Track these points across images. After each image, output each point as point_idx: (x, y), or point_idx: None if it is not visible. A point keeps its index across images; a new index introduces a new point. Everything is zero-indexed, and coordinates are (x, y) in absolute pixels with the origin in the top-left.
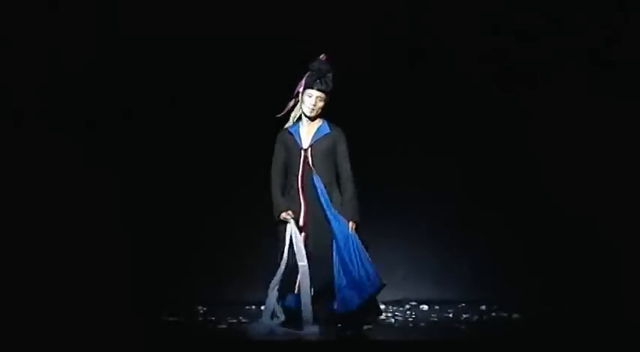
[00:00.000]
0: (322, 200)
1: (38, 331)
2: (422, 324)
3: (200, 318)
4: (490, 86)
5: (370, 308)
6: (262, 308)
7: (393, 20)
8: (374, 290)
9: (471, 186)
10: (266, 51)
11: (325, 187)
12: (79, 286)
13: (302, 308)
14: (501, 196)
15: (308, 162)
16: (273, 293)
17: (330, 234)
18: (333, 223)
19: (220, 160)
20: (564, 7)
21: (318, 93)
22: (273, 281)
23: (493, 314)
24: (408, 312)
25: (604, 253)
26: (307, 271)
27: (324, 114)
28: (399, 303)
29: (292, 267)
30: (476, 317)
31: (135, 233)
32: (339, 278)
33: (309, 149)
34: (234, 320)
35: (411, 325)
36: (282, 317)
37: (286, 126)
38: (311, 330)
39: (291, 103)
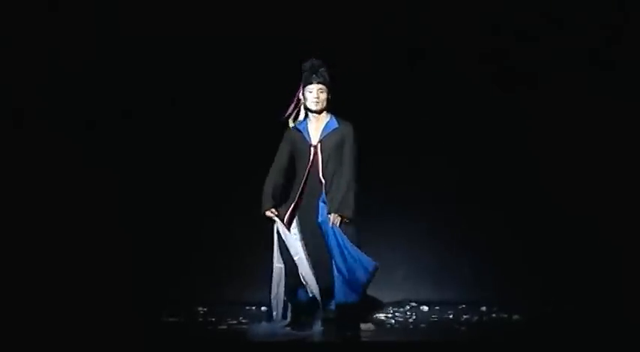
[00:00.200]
0: (320, 204)
1: (38, 331)
2: (422, 325)
3: (200, 319)
4: (490, 86)
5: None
6: (263, 309)
7: (393, 20)
8: (370, 274)
9: (471, 186)
10: (266, 51)
11: (330, 188)
12: (79, 286)
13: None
14: (501, 196)
15: (317, 159)
16: (277, 297)
17: (324, 238)
18: (324, 226)
19: (220, 160)
20: (564, 7)
21: (318, 86)
22: (272, 288)
23: (493, 315)
24: (408, 313)
25: (604, 253)
26: (306, 263)
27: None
28: (400, 304)
29: (290, 264)
30: (476, 318)
31: (135, 233)
32: (338, 277)
33: (319, 145)
34: (235, 321)
35: (411, 326)
36: (288, 318)
37: (291, 125)
38: (312, 331)
39: (291, 108)
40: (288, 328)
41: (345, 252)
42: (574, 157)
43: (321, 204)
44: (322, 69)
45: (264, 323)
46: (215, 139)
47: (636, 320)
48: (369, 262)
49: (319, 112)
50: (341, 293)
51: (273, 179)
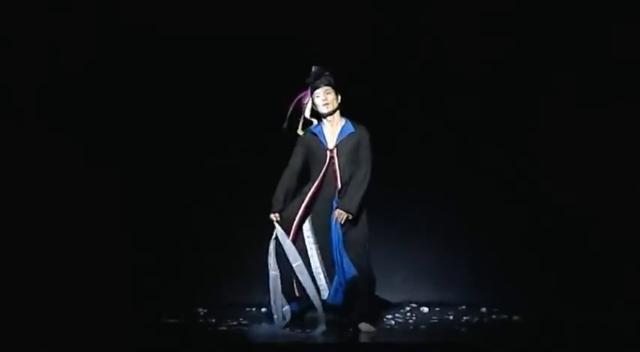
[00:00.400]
0: (333, 207)
1: (38, 331)
2: (422, 326)
3: (200, 320)
4: (491, 85)
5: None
6: (263, 310)
7: (393, 20)
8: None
9: (470, 187)
10: (266, 51)
11: (344, 190)
12: (79, 286)
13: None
14: (501, 197)
15: (334, 162)
16: (275, 303)
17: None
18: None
19: (220, 160)
20: (564, 7)
21: (323, 88)
22: (270, 295)
23: (494, 316)
24: (408, 314)
25: (604, 253)
26: (305, 270)
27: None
28: (400, 305)
29: (287, 271)
30: (476, 319)
31: (135, 233)
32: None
33: (335, 149)
34: (235, 322)
35: (411, 327)
36: (287, 319)
37: (300, 133)
38: (312, 333)
39: (289, 114)
40: (288, 329)
41: (336, 254)
42: (574, 157)
43: (332, 206)
44: (326, 73)
45: (264, 325)
46: (215, 139)
47: (636, 320)
48: (349, 271)
49: (331, 114)
50: (338, 294)
51: (286, 184)
